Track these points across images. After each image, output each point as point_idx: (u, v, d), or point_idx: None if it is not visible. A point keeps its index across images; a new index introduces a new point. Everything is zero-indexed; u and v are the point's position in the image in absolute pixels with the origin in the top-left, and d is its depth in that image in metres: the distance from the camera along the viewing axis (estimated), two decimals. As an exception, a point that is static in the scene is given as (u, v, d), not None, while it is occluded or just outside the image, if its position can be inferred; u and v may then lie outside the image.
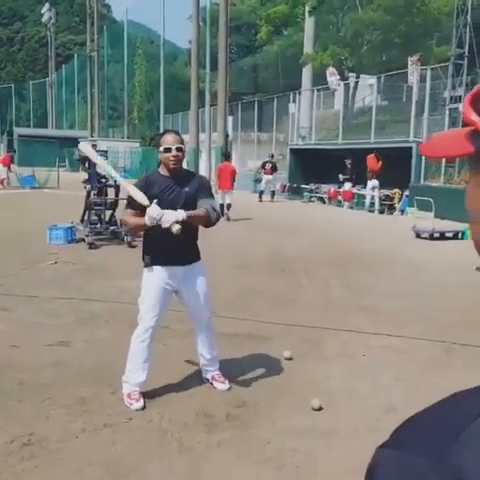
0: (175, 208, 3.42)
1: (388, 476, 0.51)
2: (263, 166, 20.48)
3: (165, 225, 3.36)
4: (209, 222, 3.61)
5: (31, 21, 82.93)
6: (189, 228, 3.63)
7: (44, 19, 55.69)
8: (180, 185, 3.64)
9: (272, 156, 21.06)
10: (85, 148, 3.85)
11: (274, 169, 20.37)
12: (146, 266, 3.71)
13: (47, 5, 54.76)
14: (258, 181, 21.11)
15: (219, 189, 14.62)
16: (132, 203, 3.57)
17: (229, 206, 14.53)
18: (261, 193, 20.35)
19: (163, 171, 3.69)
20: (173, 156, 3.59)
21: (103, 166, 3.64)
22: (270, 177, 20.31)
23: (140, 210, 3.49)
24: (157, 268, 3.65)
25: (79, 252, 9.19)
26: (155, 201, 3.42)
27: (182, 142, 3.69)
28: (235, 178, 15.08)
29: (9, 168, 22.91)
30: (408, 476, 0.49)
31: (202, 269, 3.84)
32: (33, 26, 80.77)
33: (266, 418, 3.51)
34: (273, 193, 20.56)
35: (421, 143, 16.36)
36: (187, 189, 3.64)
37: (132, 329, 3.73)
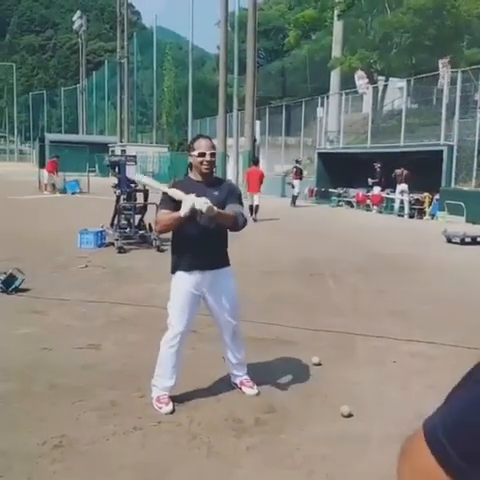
0: (203, 212, 3.40)
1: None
2: (292, 171, 20.44)
3: (197, 207, 3.32)
4: (236, 225, 3.58)
5: (63, 28, 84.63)
6: (218, 232, 3.64)
7: (75, 26, 56.75)
8: (210, 190, 3.62)
9: (298, 161, 20.95)
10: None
11: (298, 174, 20.19)
12: (173, 271, 3.71)
13: (78, 13, 55.82)
14: (291, 185, 20.99)
15: (248, 191, 15.50)
16: (165, 203, 3.58)
17: (257, 208, 15.26)
18: (294, 198, 20.35)
19: (195, 176, 3.69)
20: (207, 161, 3.59)
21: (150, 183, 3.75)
22: (295, 182, 20.19)
23: (174, 209, 3.50)
24: (185, 273, 3.65)
25: (109, 256, 9.29)
26: (193, 194, 3.40)
27: (214, 148, 3.71)
28: (263, 181, 15.90)
29: (55, 173, 23.27)
30: None
31: (230, 275, 3.82)
32: (64, 33, 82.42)
33: (295, 424, 3.49)
34: (294, 198, 20.37)
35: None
36: (216, 193, 3.63)
37: (161, 332, 3.75)
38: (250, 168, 17.09)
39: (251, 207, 15.05)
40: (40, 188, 22.64)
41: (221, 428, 3.40)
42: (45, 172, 23.24)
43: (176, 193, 3.51)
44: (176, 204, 3.50)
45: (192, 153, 3.63)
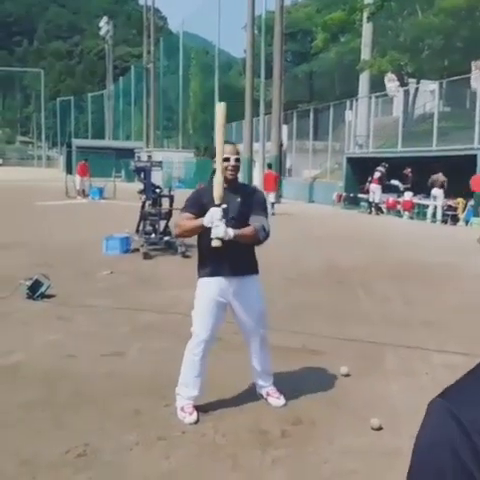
0: (227, 218, 3.38)
1: (431, 421, 0.64)
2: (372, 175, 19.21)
3: (212, 235, 3.36)
4: (256, 241, 3.57)
5: (89, 34, 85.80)
6: None
7: (102, 32, 57.25)
8: (234, 196, 3.58)
9: (383, 165, 19.24)
10: None
11: (382, 179, 18.89)
12: (199, 277, 3.67)
13: (105, 18, 56.28)
14: (366, 192, 19.99)
15: (265, 190, 17.69)
16: (189, 207, 3.59)
17: (273, 204, 17.88)
18: (370, 205, 19.70)
19: None
20: (232, 166, 3.57)
21: None
22: (374, 186, 19.13)
23: (198, 214, 3.49)
24: (210, 279, 3.60)
25: (134, 262, 9.29)
26: (224, 206, 3.38)
27: (239, 153, 3.69)
28: (277, 182, 20.00)
29: (87, 177, 23.16)
30: (441, 422, 0.62)
31: (257, 283, 3.75)
32: (91, 39, 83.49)
33: (323, 437, 3.39)
34: (376, 206, 19.52)
35: None
36: (240, 200, 3.58)
37: (186, 340, 3.69)
38: (267, 171, 20.70)
39: None
40: (67, 194, 22.62)
41: (246, 440, 3.32)
42: (77, 177, 23.29)
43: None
44: (201, 208, 3.47)
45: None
